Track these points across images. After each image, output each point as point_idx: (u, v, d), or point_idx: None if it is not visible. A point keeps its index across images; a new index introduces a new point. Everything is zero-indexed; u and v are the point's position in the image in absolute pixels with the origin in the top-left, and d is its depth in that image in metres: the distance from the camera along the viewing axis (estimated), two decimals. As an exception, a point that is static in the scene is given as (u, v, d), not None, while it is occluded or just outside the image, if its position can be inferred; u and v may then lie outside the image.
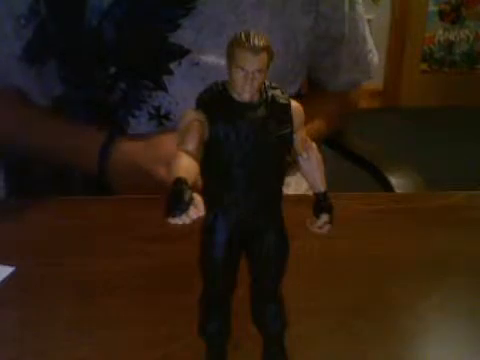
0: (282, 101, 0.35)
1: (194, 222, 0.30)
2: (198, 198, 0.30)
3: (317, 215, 0.37)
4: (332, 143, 1.05)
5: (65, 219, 0.67)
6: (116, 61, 0.79)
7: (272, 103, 0.35)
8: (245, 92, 0.33)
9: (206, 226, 0.36)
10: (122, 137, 0.79)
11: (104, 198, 0.75)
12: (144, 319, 0.50)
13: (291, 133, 0.35)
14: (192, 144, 0.33)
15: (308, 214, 0.37)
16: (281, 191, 0.37)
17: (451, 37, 3.37)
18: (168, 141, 0.74)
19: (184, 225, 0.30)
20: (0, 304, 0.52)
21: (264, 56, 0.32)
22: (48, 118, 0.84)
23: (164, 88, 0.79)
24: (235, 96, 0.34)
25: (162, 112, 0.80)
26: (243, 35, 0.32)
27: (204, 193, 0.33)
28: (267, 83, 0.35)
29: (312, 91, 1.00)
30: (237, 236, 0.36)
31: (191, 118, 0.34)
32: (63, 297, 0.53)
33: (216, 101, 0.34)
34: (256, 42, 0.32)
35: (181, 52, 0.78)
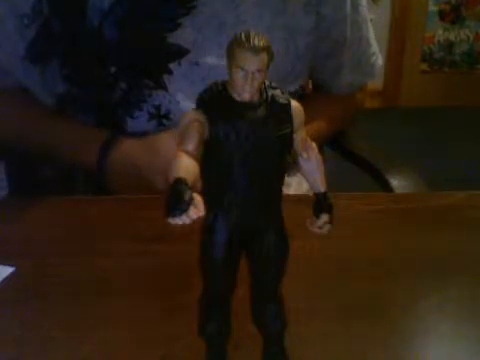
0: (282, 101, 0.35)
1: (194, 222, 0.30)
2: (198, 198, 0.30)
3: (317, 215, 0.37)
4: (332, 143, 1.05)
5: (65, 219, 0.67)
6: (117, 60, 0.80)
7: (272, 103, 0.35)
8: (245, 92, 0.33)
9: (206, 226, 0.36)
10: (122, 136, 0.79)
11: (104, 198, 0.75)
12: (144, 319, 0.50)
13: (291, 133, 0.35)
14: (192, 144, 0.33)
15: (308, 214, 0.37)
16: (281, 191, 0.37)
17: (451, 37, 3.37)
18: (167, 142, 0.75)
19: (184, 225, 0.30)
20: (0, 304, 0.52)
21: (264, 56, 0.32)
22: (50, 116, 0.85)
23: (164, 87, 0.79)
24: (235, 96, 0.34)
25: (162, 111, 0.80)
26: (243, 35, 0.32)
27: (204, 193, 0.33)
28: (267, 83, 0.35)
29: (316, 93, 1.00)
30: (237, 236, 0.36)
31: (191, 118, 0.34)
32: (63, 297, 0.53)
33: (216, 101, 0.34)
34: (256, 42, 0.32)
35: (181, 52, 0.78)
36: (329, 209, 0.37)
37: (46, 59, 0.82)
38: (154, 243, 0.61)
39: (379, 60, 0.98)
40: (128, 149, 0.78)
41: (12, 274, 0.56)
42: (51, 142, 0.82)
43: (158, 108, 0.80)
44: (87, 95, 0.83)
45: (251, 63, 0.32)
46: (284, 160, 0.36)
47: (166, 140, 0.75)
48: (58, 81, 0.82)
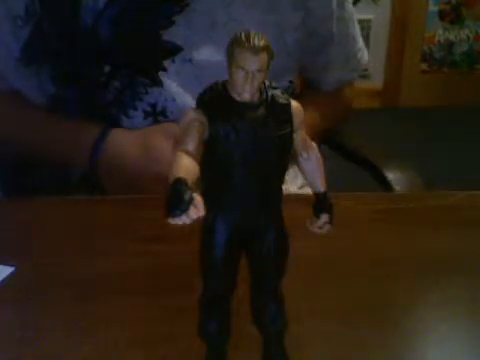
0: (282, 101, 0.35)
1: (194, 222, 0.30)
2: (198, 198, 0.30)
3: (317, 215, 0.37)
4: (331, 143, 1.05)
5: (65, 219, 0.67)
6: (111, 59, 0.80)
7: (272, 103, 0.35)
8: (245, 92, 0.33)
9: (206, 226, 0.36)
10: (114, 130, 0.80)
11: (104, 198, 0.75)
12: (144, 319, 0.50)
13: (291, 133, 0.35)
14: (192, 144, 0.33)
15: (308, 214, 0.37)
16: (281, 191, 0.37)
17: (451, 37, 3.37)
18: (159, 140, 0.76)
19: (184, 225, 0.30)
20: (0, 304, 0.52)
21: (264, 56, 0.32)
22: (42, 116, 0.85)
23: (160, 84, 0.80)
24: (235, 96, 0.34)
25: (158, 108, 0.81)
26: (243, 35, 0.32)
27: (204, 193, 0.33)
28: (267, 83, 0.35)
29: (306, 90, 1.01)
30: (237, 236, 0.36)
31: (191, 118, 0.34)
32: (63, 297, 0.53)
33: (216, 101, 0.34)
34: (256, 42, 0.32)
35: (174, 49, 0.79)
36: (329, 209, 0.37)
37: (40, 60, 0.82)
38: (154, 243, 0.61)
39: (365, 56, 1.00)
40: (120, 146, 0.78)
41: (12, 274, 0.56)
42: (43, 141, 0.82)
43: (154, 106, 0.80)
44: (80, 96, 0.83)
45: (251, 63, 0.32)
46: (284, 160, 0.36)
47: (159, 137, 0.76)
48: (51, 82, 0.82)
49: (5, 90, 0.87)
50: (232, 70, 0.33)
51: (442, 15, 3.33)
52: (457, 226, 0.67)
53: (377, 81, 3.31)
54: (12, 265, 0.57)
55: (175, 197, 0.29)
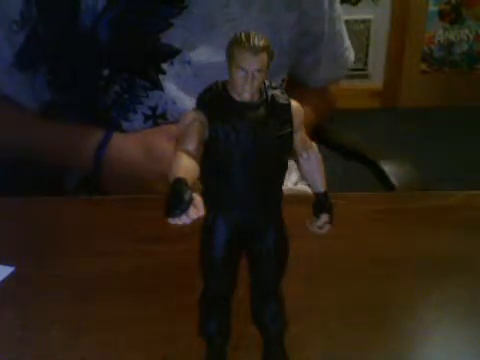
0: (282, 101, 0.35)
1: (194, 222, 0.30)
2: (198, 198, 0.30)
3: (317, 215, 0.37)
4: (329, 141, 1.05)
5: (65, 219, 0.67)
6: (110, 63, 0.80)
7: (272, 103, 0.35)
8: (245, 92, 0.33)
9: (206, 226, 0.36)
10: (116, 134, 0.80)
11: (104, 198, 0.75)
12: (144, 319, 0.50)
13: (291, 133, 0.35)
14: (192, 144, 0.33)
15: (308, 214, 0.37)
16: (281, 191, 0.37)
17: (451, 37, 3.37)
18: (161, 141, 0.76)
19: (184, 225, 0.30)
20: (0, 304, 0.52)
21: (264, 56, 0.32)
22: (42, 119, 0.84)
23: (160, 87, 0.80)
24: (235, 96, 0.34)
25: (158, 112, 0.81)
26: (243, 35, 0.32)
27: (204, 193, 0.33)
28: (267, 83, 0.35)
29: (292, 87, 1.02)
30: (237, 236, 0.36)
31: (191, 118, 0.34)
32: (63, 297, 0.53)
33: (216, 101, 0.34)
34: (256, 42, 0.32)
35: (172, 52, 0.79)
36: (329, 209, 0.37)
37: (36, 65, 0.81)
38: (154, 243, 0.61)
39: (351, 55, 1.02)
40: (123, 148, 0.78)
41: (12, 274, 0.56)
42: (43, 145, 0.82)
43: (154, 109, 0.81)
44: (80, 100, 0.83)
45: (251, 63, 0.32)
46: (284, 160, 0.36)
47: (160, 138, 0.77)
48: (46, 88, 0.82)
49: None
50: (232, 70, 0.33)
51: (442, 15, 3.33)
52: (457, 226, 0.67)
53: (377, 81, 3.31)
54: (12, 265, 0.57)
55: (175, 197, 0.29)
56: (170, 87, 0.80)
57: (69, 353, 0.47)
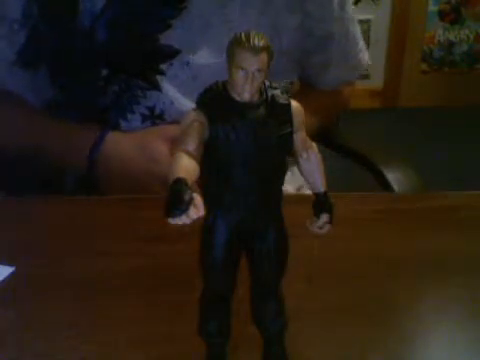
0: (282, 101, 0.35)
1: (194, 222, 0.30)
2: (198, 198, 0.30)
3: (317, 215, 0.37)
4: (331, 143, 1.05)
5: (65, 219, 0.67)
6: (108, 63, 0.80)
7: (272, 103, 0.35)
8: (245, 92, 0.33)
9: (206, 226, 0.36)
10: (112, 133, 0.80)
11: (104, 198, 0.75)
12: (144, 319, 0.50)
13: (291, 133, 0.35)
14: (192, 144, 0.33)
15: (308, 214, 0.37)
16: (281, 191, 0.37)
17: (451, 37, 3.37)
18: (156, 142, 0.76)
19: (184, 225, 0.30)
20: (0, 304, 0.52)
21: (264, 56, 0.32)
22: (39, 116, 0.84)
23: (158, 87, 0.80)
24: (235, 96, 0.34)
25: (156, 112, 0.81)
26: (243, 35, 0.32)
27: (204, 193, 0.33)
28: (267, 83, 0.35)
29: (302, 88, 1.01)
30: (237, 236, 0.36)
31: (191, 118, 0.34)
32: (63, 297, 0.53)
33: (216, 101, 0.34)
34: (256, 42, 0.32)
35: (172, 53, 0.79)
36: (329, 209, 0.37)
37: (36, 64, 0.82)
38: (154, 243, 0.61)
39: (365, 57, 1.01)
40: (118, 147, 0.79)
41: (12, 274, 0.56)
42: (40, 141, 0.82)
43: (152, 109, 0.81)
44: (78, 100, 0.83)
45: (251, 63, 0.32)
46: (284, 160, 0.36)
47: (155, 139, 0.76)
48: (48, 87, 0.82)
49: (2, 91, 0.87)
50: (232, 70, 0.33)
51: (442, 15, 3.32)
52: (457, 226, 0.67)
53: (377, 81, 3.31)
54: (12, 265, 0.57)
55: (175, 197, 0.29)
56: (168, 88, 0.80)
57: (69, 353, 0.46)
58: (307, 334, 0.48)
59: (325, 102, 0.99)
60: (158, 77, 0.80)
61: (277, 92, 0.35)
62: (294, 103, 0.36)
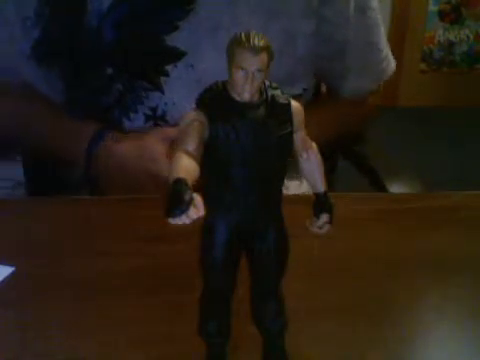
0: (282, 101, 0.35)
1: (194, 222, 0.30)
2: (198, 198, 0.30)
3: (317, 215, 0.37)
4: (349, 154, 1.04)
5: (65, 219, 0.67)
6: (114, 62, 0.80)
7: (272, 103, 0.35)
8: (245, 92, 0.33)
9: (206, 226, 0.36)
10: (111, 133, 0.80)
11: (104, 198, 0.75)
12: (144, 319, 0.50)
13: (291, 133, 0.35)
14: (192, 144, 0.33)
15: (308, 214, 0.37)
16: (281, 191, 0.37)
17: (451, 37, 3.37)
18: (154, 140, 0.76)
19: (184, 225, 0.30)
20: (0, 304, 0.52)
21: (264, 56, 0.32)
22: (46, 110, 0.85)
23: (161, 89, 0.80)
24: (235, 96, 0.34)
25: (158, 113, 0.81)
26: (243, 35, 0.32)
27: (204, 193, 0.33)
28: (267, 83, 0.35)
29: (327, 96, 1.00)
30: (237, 236, 0.36)
31: (191, 118, 0.34)
32: (63, 297, 0.53)
33: (216, 101, 0.34)
34: (256, 42, 0.32)
35: (177, 54, 0.79)
36: (329, 209, 0.37)
37: (50, 60, 0.82)
38: (154, 243, 0.61)
39: (391, 65, 0.97)
40: (116, 147, 0.79)
41: (12, 274, 0.56)
42: (45, 135, 0.82)
43: (154, 110, 0.81)
44: (83, 98, 0.83)
45: (251, 63, 0.32)
46: (284, 160, 0.36)
47: (153, 139, 0.76)
48: (60, 81, 0.83)
49: (17, 84, 0.87)
50: (232, 70, 0.33)
51: (442, 15, 3.32)
52: (457, 226, 0.67)
53: (377, 81, 3.31)
54: (12, 265, 0.57)
55: (175, 197, 0.29)
56: (171, 89, 0.80)
57: (69, 353, 0.46)
58: (307, 334, 0.48)
59: (343, 111, 0.96)
60: (162, 78, 0.80)
61: (277, 92, 0.35)
62: (294, 103, 0.36)
